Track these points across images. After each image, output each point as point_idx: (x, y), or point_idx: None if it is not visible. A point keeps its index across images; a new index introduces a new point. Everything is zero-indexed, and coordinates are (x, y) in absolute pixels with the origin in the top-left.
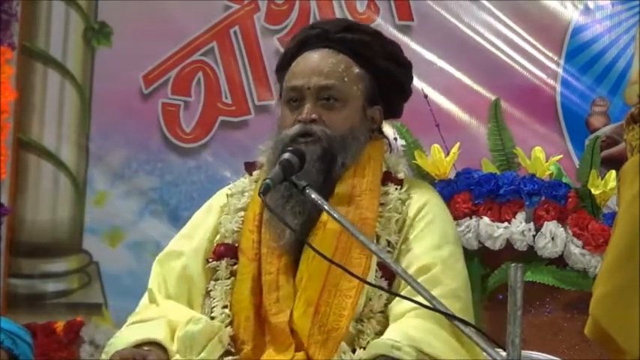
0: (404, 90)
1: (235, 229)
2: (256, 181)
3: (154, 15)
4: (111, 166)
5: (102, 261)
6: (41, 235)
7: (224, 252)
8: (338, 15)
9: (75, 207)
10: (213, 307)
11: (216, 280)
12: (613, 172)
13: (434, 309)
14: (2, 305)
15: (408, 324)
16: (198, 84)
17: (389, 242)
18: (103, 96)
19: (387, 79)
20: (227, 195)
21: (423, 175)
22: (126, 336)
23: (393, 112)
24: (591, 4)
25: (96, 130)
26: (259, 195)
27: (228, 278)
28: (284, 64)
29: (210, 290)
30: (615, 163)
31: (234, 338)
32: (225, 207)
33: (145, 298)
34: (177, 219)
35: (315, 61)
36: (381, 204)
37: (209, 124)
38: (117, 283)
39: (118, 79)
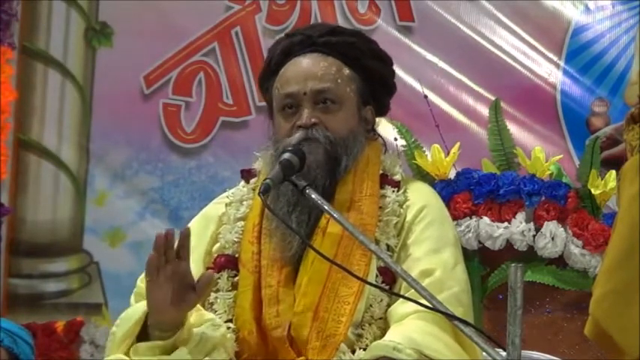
0: (389, 86)
1: (235, 239)
2: (254, 189)
3: (155, 15)
4: (111, 166)
5: (102, 261)
6: (41, 235)
7: (224, 263)
8: (339, 16)
9: (75, 207)
10: None
11: (217, 291)
12: (613, 172)
13: (434, 309)
14: (2, 305)
15: (409, 326)
16: (200, 84)
17: (388, 246)
18: (103, 96)
19: (375, 77)
20: (225, 204)
21: (423, 175)
22: (138, 306)
23: (381, 109)
24: (591, 5)
25: (96, 130)
26: (259, 195)
27: (230, 290)
28: (269, 73)
29: (212, 303)
30: (616, 163)
31: (239, 353)
32: (224, 216)
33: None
34: (178, 219)
35: (307, 65)
36: (379, 207)
37: (210, 125)
38: (117, 283)
39: (119, 80)
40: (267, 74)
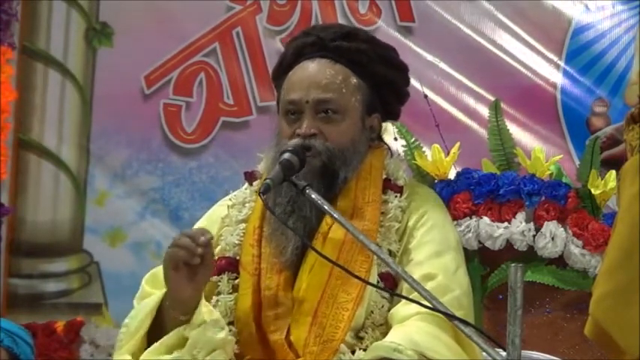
0: (401, 94)
1: (236, 242)
2: (257, 192)
3: (155, 15)
4: (112, 166)
5: (102, 261)
6: (41, 235)
7: (225, 266)
8: (340, 16)
9: (75, 207)
10: None
11: (219, 294)
12: (613, 172)
13: (435, 309)
14: (2, 305)
15: (410, 327)
16: (200, 84)
17: (390, 251)
18: (104, 96)
19: (385, 85)
20: (228, 206)
21: (422, 175)
22: (151, 298)
23: (391, 116)
24: (592, 5)
25: (97, 130)
26: (259, 195)
27: (231, 293)
28: (280, 72)
29: (214, 305)
30: (616, 163)
31: (240, 355)
32: (227, 218)
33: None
34: (178, 219)
35: (313, 72)
36: (382, 213)
37: (210, 125)
38: (117, 283)
39: (119, 80)
40: (279, 73)
